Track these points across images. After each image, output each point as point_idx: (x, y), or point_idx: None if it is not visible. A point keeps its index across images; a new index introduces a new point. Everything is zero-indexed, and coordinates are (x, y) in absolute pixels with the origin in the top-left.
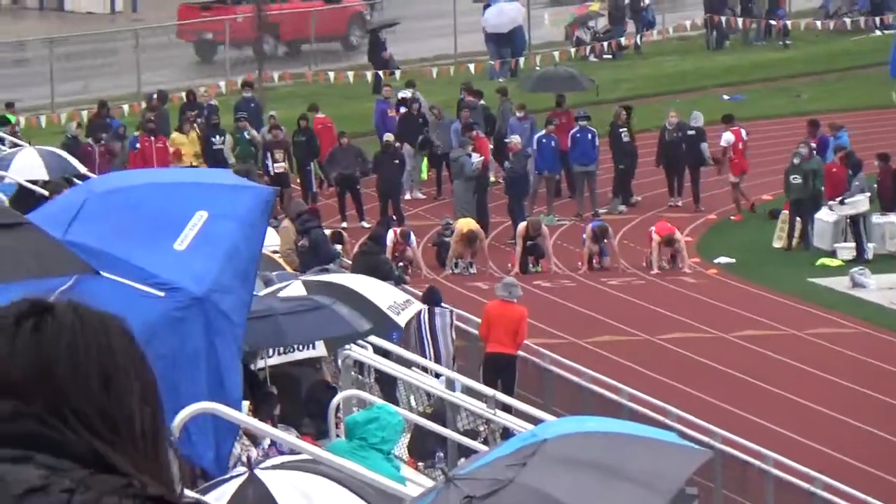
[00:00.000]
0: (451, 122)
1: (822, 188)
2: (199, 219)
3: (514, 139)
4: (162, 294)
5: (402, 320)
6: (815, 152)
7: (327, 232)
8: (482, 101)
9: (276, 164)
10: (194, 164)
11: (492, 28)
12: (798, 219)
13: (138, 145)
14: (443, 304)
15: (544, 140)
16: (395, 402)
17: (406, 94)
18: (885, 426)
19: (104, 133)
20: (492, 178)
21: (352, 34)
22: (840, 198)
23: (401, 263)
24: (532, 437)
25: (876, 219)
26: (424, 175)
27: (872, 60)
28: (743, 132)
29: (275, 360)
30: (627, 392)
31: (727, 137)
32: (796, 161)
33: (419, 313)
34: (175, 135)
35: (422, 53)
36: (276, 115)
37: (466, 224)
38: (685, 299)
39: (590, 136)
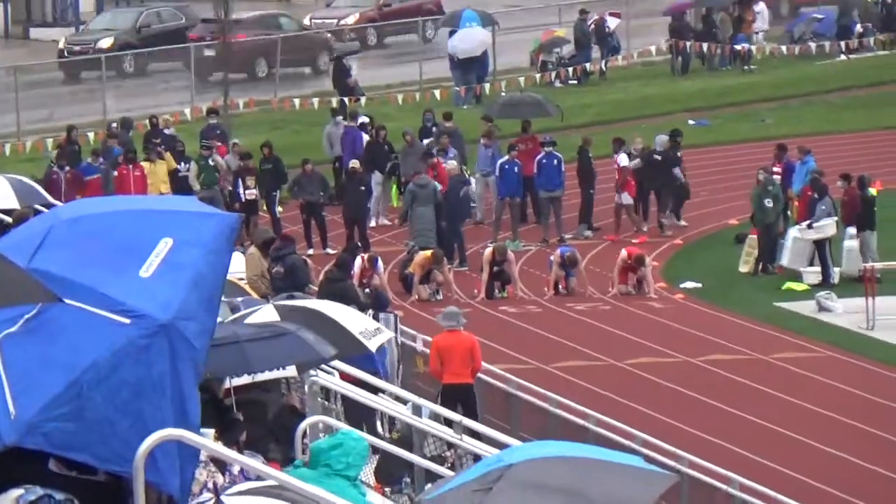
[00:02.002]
0: (422, 148)
1: (787, 212)
2: (165, 246)
3: (451, 164)
4: (128, 321)
5: (373, 346)
6: (773, 177)
7: None
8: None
9: (247, 191)
10: (163, 192)
11: (463, 53)
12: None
13: (116, 173)
14: (388, 310)
15: (507, 166)
16: (361, 428)
17: (365, 118)
18: (852, 449)
19: (72, 160)
20: None
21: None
22: (807, 222)
23: (367, 290)
24: (498, 461)
25: (850, 229)
26: (396, 202)
27: (837, 85)
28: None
29: (243, 380)
30: (594, 417)
31: (623, 159)
32: (770, 187)
33: None
34: (143, 164)
35: (387, 80)
36: (240, 141)
37: (427, 252)
38: (651, 324)
39: (555, 161)
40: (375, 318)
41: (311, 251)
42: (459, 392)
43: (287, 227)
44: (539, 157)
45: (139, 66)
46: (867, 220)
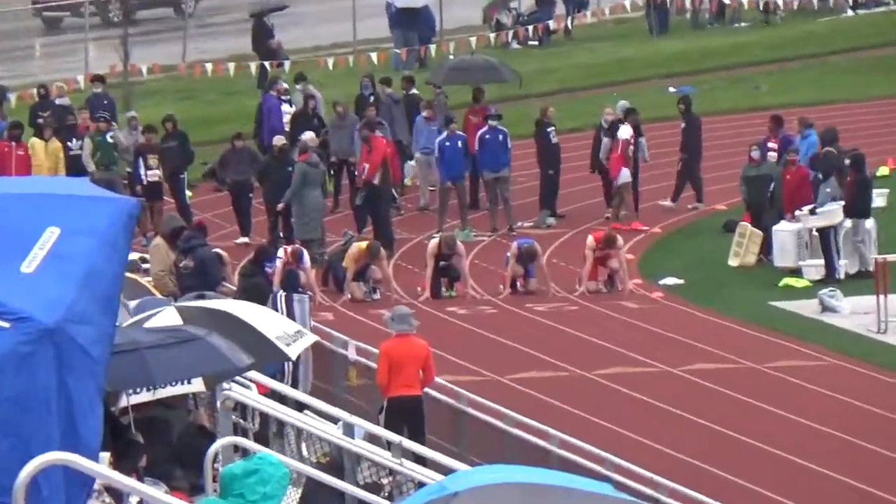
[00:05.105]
0: (355, 122)
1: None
2: (50, 236)
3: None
4: (7, 325)
5: (292, 352)
6: (766, 155)
7: None
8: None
9: (149, 172)
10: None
11: (402, 3)
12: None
13: None
14: (301, 290)
15: (448, 143)
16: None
17: (313, 91)
18: (861, 474)
19: None
20: (408, 182)
21: None
22: (810, 207)
23: None
24: (441, 490)
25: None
26: (328, 185)
27: (843, 46)
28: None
29: (142, 398)
30: (557, 437)
31: (626, 131)
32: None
33: (275, 299)
34: (33, 140)
35: (316, 41)
36: (138, 115)
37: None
38: (626, 328)
39: (500, 137)
40: (289, 300)
41: (245, 239)
42: (408, 406)
43: (198, 214)
44: (482, 131)
45: None
46: (863, 205)
